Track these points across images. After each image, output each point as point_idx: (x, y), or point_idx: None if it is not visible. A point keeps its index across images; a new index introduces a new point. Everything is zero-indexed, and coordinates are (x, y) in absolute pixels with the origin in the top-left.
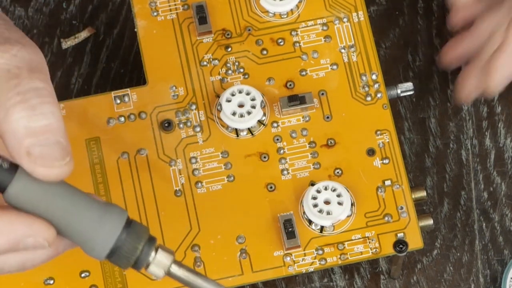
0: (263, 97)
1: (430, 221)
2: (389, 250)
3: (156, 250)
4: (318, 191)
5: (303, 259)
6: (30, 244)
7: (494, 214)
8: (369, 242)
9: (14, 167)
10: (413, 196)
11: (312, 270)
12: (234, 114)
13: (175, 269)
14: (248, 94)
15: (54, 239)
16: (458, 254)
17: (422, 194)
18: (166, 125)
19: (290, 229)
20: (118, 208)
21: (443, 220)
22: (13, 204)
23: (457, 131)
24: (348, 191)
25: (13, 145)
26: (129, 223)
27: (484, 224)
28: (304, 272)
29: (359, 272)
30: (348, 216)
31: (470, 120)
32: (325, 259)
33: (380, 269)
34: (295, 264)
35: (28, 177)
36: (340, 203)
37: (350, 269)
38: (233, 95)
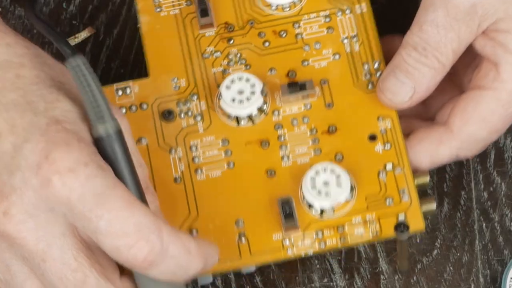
0: (264, 85)
1: (433, 205)
2: (389, 233)
3: None
4: (317, 172)
5: (302, 242)
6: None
7: (494, 214)
8: (370, 225)
9: None
10: (416, 182)
11: (311, 253)
12: (233, 100)
13: None
14: (247, 80)
15: None
16: (458, 254)
17: (425, 179)
18: (167, 114)
19: (288, 211)
20: None
21: (443, 220)
22: None
23: None
24: (348, 174)
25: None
26: None
27: (484, 224)
28: (303, 255)
29: (359, 272)
30: (348, 200)
31: None
32: (325, 242)
33: (380, 269)
34: (294, 247)
35: None
36: (339, 185)
37: (350, 269)
38: (232, 82)
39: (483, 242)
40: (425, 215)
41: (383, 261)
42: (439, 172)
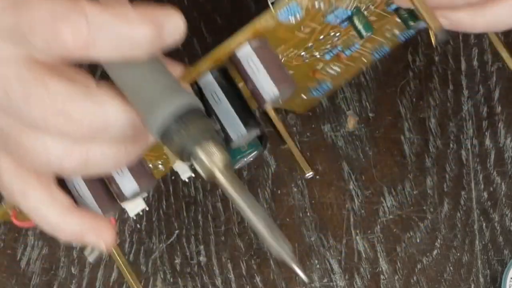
0: None
1: None
2: None
3: (210, 149)
4: None
5: None
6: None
7: (494, 214)
8: None
9: None
10: None
11: None
12: None
13: (219, 175)
14: None
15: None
16: (458, 254)
17: None
18: None
19: None
20: (184, 96)
21: (443, 220)
22: None
23: (457, 131)
24: None
25: None
26: (193, 112)
27: (484, 224)
28: None
29: (359, 272)
30: None
31: (470, 120)
32: None
33: (380, 269)
34: None
35: None
36: None
37: (350, 269)
38: None
39: (483, 242)
40: None
41: (383, 261)
42: (439, 172)
